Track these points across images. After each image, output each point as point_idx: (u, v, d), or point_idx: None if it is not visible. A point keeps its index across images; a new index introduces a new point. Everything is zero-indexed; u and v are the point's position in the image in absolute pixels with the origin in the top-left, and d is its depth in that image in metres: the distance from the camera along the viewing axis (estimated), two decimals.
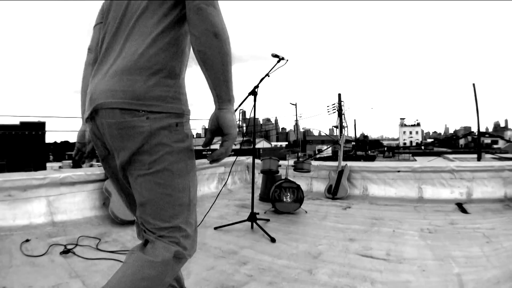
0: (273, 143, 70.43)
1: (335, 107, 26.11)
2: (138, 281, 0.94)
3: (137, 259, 0.98)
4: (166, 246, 0.99)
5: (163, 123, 0.97)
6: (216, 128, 1.00)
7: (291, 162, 4.14)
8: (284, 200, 3.57)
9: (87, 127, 1.13)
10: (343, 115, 25.20)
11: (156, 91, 0.96)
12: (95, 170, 3.58)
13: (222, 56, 0.94)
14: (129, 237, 2.70)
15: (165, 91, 0.98)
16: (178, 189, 1.00)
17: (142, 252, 0.99)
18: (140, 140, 0.95)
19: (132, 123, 0.95)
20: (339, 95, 25.77)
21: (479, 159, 15.99)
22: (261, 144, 49.40)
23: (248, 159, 5.72)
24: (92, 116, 1.03)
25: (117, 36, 1.04)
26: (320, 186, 4.76)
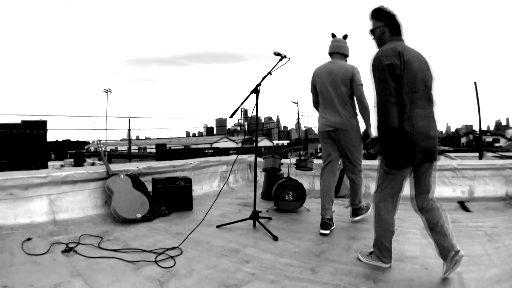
0: (275, 142, 70.41)
1: None
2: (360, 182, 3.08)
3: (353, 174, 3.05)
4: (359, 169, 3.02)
5: (358, 133, 2.93)
6: (366, 136, 2.96)
7: (293, 160, 4.12)
8: (286, 198, 3.57)
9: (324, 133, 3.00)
10: None
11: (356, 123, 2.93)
12: (97, 168, 3.58)
13: (368, 115, 2.90)
14: (131, 235, 2.70)
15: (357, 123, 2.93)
16: (361, 149, 2.99)
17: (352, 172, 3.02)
18: (354, 137, 2.88)
19: (353, 134, 2.90)
20: None
21: (480, 157, 15.94)
22: (263, 142, 49.35)
23: (250, 158, 5.72)
24: (333, 131, 2.89)
25: (333, 100, 2.87)
26: None
